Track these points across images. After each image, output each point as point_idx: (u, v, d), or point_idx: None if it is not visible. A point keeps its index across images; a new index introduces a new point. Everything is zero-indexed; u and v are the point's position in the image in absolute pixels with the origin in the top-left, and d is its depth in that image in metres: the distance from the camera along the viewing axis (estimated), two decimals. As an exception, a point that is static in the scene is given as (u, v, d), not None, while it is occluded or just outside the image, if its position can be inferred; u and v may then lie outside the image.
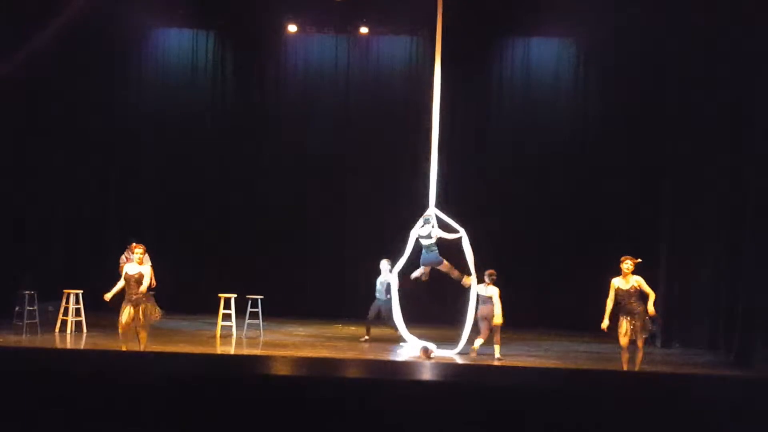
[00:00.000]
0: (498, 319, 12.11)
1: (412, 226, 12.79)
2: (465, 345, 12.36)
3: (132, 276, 10.33)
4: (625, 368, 10.40)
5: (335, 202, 17.69)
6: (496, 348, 12.22)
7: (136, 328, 10.41)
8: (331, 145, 17.87)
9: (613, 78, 16.85)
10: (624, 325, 10.24)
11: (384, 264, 13.84)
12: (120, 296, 10.55)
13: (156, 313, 10.53)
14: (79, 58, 16.55)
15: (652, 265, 14.57)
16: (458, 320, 12.78)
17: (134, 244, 10.63)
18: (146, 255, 14.64)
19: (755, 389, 4.30)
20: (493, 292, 12.26)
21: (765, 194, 12.39)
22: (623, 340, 10.27)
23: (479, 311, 12.34)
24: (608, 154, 16.92)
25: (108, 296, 10.51)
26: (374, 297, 14.01)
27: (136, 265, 10.43)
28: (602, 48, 16.95)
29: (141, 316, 10.29)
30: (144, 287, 10.34)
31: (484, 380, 4.15)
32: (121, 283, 10.46)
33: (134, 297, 10.28)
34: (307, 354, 11.94)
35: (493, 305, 12.17)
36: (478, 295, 12.41)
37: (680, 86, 14.85)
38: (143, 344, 10.50)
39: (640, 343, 10.28)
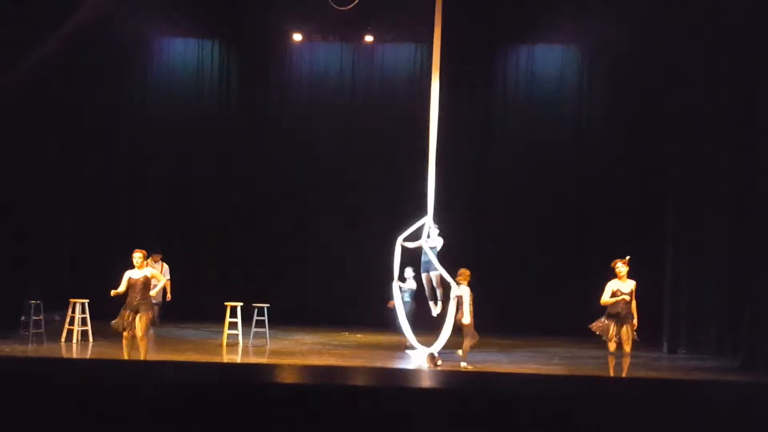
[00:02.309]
0: (466, 319, 11.61)
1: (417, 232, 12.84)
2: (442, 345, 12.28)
3: (137, 281, 10.16)
4: (612, 374, 10.38)
5: (341, 210, 17.72)
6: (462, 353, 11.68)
7: (134, 337, 10.19)
8: (337, 153, 17.94)
9: (616, 83, 16.91)
10: (612, 329, 10.21)
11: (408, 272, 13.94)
12: (119, 301, 10.37)
13: (149, 322, 10.38)
14: (85, 67, 16.60)
15: (657, 270, 14.67)
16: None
17: (135, 250, 10.42)
18: (166, 266, 14.70)
19: (761, 395, 4.30)
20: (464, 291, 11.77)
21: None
22: (611, 345, 10.25)
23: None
24: (612, 158, 16.97)
25: (115, 292, 10.24)
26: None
27: (138, 270, 10.24)
28: (605, 54, 17.00)
29: (138, 324, 10.10)
30: (154, 292, 10.24)
31: (490, 387, 4.16)
32: (122, 288, 10.21)
33: (135, 302, 10.14)
34: (314, 362, 11.93)
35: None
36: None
37: (682, 89, 14.87)
38: (143, 353, 10.34)
39: (627, 348, 10.24)
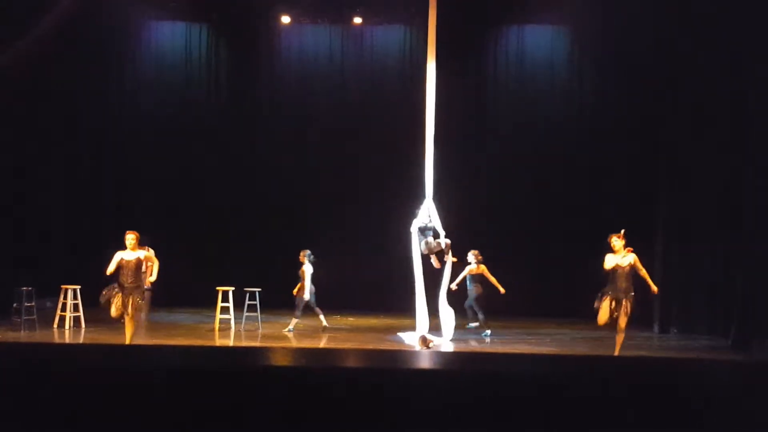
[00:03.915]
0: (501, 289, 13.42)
1: (410, 216, 12.81)
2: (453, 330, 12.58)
3: (128, 262, 10.08)
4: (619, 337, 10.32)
5: (332, 192, 17.67)
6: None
7: (124, 319, 10.14)
8: (327, 136, 17.87)
9: (608, 65, 16.85)
10: (606, 302, 10.11)
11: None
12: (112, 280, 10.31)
13: (141, 307, 10.36)
14: (72, 54, 16.46)
15: (648, 251, 14.69)
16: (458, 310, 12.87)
17: (128, 231, 10.27)
18: (151, 252, 14.59)
19: (752, 374, 4.32)
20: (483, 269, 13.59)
21: (762, 179, 12.41)
22: (603, 317, 10.08)
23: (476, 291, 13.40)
24: (604, 140, 16.94)
25: (109, 270, 10.15)
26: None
27: (131, 252, 10.16)
28: (596, 35, 16.90)
29: (130, 308, 10.04)
30: (151, 277, 10.18)
31: (483, 368, 4.17)
32: (112, 268, 10.13)
33: (127, 285, 10.07)
34: (306, 345, 11.95)
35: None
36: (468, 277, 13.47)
37: (675, 70, 14.84)
38: (129, 338, 10.26)
39: (622, 324, 10.12)
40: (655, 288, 10.32)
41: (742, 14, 12.90)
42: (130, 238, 10.18)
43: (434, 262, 12.50)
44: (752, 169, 12.68)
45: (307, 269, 13.53)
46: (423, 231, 12.51)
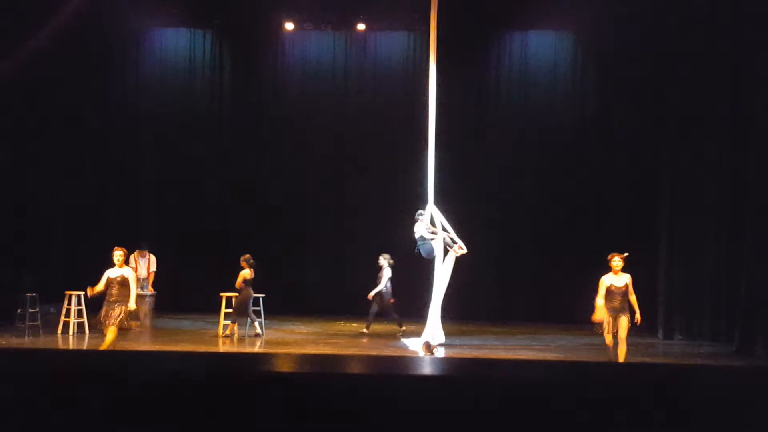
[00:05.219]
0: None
1: (411, 220, 12.81)
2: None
3: (114, 279, 9.98)
4: (608, 360, 10.30)
5: (335, 199, 17.70)
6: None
7: (106, 324, 10.00)
8: (330, 142, 17.90)
9: (611, 70, 16.85)
10: (608, 322, 10.06)
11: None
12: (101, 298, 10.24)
13: (126, 322, 10.22)
14: (77, 59, 16.53)
15: (652, 257, 14.69)
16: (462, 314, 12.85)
17: (116, 248, 10.21)
18: (153, 257, 14.56)
19: (757, 379, 4.30)
20: None
21: (764, 180, 12.39)
22: (608, 338, 10.04)
23: None
24: (607, 146, 16.96)
25: (91, 291, 10.16)
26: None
27: (118, 268, 10.07)
28: (599, 40, 16.93)
29: (113, 315, 9.90)
30: (134, 294, 10.06)
31: (487, 374, 4.16)
32: (101, 286, 10.07)
33: (113, 299, 9.98)
34: (310, 351, 11.94)
35: None
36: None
37: (676, 72, 14.83)
38: (106, 344, 10.07)
39: (622, 335, 9.97)
40: (638, 317, 10.14)
41: (742, 14, 12.92)
42: (118, 254, 10.11)
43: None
44: (754, 171, 12.67)
45: (245, 273, 13.45)
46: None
